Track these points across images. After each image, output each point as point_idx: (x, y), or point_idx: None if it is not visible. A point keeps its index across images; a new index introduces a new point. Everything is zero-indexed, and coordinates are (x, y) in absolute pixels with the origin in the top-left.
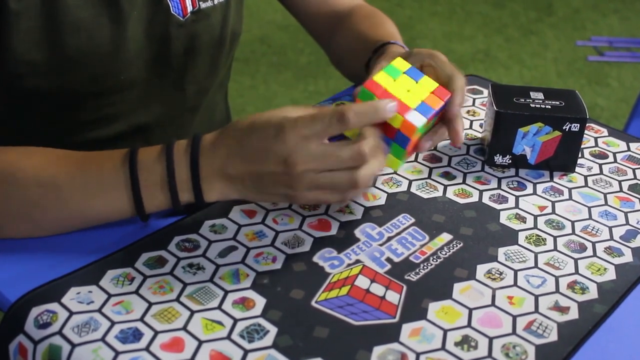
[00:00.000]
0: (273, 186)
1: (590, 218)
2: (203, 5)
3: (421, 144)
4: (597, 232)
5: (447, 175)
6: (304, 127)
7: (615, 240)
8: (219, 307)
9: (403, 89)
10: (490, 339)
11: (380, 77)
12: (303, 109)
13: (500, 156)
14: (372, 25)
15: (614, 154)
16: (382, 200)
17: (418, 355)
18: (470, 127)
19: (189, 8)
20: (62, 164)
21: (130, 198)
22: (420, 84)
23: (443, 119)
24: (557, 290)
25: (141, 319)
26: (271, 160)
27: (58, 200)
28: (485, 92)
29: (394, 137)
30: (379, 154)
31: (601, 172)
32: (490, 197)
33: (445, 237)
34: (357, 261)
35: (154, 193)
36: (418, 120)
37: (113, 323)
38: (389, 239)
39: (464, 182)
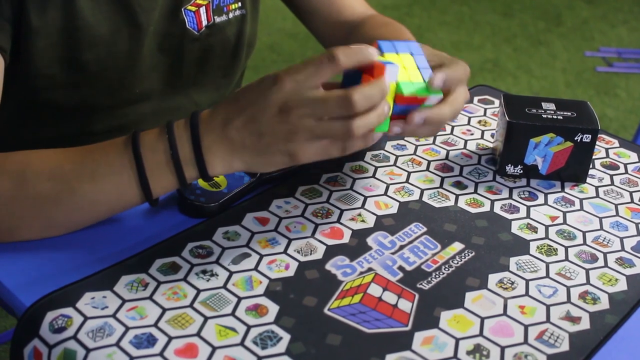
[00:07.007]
0: (273, 142)
1: (601, 229)
2: (218, 19)
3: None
4: (608, 242)
5: (458, 185)
6: (298, 73)
7: (626, 251)
8: (233, 314)
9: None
10: (502, 348)
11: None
12: None
13: (512, 166)
14: (391, 32)
15: (625, 165)
16: (394, 209)
17: None
18: (482, 137)
19: (204, 22)
20: (68, 156)
21: (136, 179)
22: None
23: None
24: (569, 300)
25: (155, 325)
26: (268, 110)
27: (68, 191)
28: (497, 102)
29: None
30: (375, 105)
31: (612, 183)
32: (501, 207)
33: (457, 246)
34: (370, 269)
35: (159, 172)
36: (392, 73)
37: (127, 328)
38: (401, 247)
39: (475, 191)
